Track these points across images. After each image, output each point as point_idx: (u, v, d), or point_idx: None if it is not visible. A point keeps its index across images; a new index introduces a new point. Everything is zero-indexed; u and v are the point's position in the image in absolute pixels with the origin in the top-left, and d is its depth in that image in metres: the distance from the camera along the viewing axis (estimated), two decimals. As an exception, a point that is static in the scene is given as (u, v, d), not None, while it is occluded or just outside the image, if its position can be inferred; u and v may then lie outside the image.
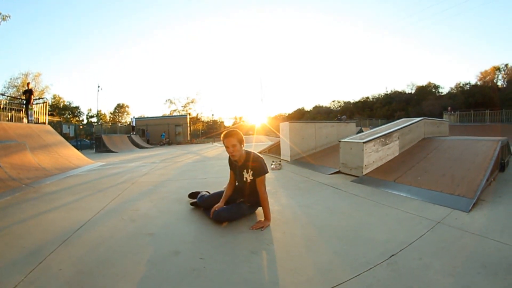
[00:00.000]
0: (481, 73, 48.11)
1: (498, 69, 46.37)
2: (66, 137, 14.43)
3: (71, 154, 8.53)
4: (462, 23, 72.94)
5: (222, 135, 2.70)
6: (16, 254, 2.13)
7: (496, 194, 3.35)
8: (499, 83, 46.20)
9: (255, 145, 15.34)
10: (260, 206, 2.87)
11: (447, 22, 73.18)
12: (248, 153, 2.74)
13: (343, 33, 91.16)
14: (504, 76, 46.06)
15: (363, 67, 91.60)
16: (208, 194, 3.19)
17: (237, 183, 2.96)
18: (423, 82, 55.57)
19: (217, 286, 1.68)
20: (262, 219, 2.68)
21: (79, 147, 17.08)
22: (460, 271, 1.73)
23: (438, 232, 2.35)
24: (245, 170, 2.73)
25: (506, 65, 45.53)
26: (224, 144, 2.67)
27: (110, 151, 16.96)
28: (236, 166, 2.81)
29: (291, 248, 2.14)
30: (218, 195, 2.93)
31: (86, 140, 23.40)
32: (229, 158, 2.86)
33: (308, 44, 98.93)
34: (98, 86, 33.83)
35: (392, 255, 1.94)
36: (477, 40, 73.80)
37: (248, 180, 2.73)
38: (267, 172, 2.72)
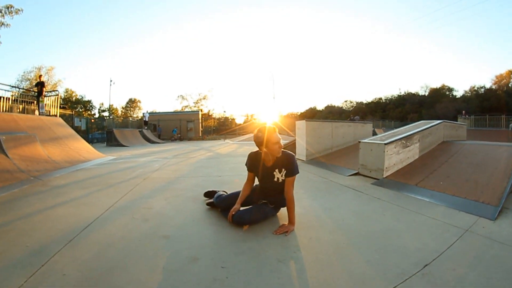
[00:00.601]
0: (496, 76, 47.56)
1: None
2: (77, 130, 14.63)
3: (81, 147, 8.57)
4: (477, 25, 73.40)
5: (261, 132, 2.50)
6: (18, 254, 2.05)
7: None
8: None
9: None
10: (282, 207, 2.82)
11: (462, 24, 73.68)
12: (281, 152, 2.59)
13: (357, 33, 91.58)
14: None
15: (376, 68, 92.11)
16: (225, 194, 3.09)
17: (258, 184, 2.85)
18: (437, 84, 55.49)
19: (243, 300, 1.56)
20: (285, 222, 2.60)
21: (91, 140, 17.41)
22: (495, 283, 1.73)
23: (467, 240, 2.34)
24: (277, 170, 2.60)
25: None
26: (266, 142, 2.50)
27: (121, 145, 17.15)
28: (264, 166, 2.66)
29: (320, 256, 2.07)
30: (236, 196, 2.79)
31: (98, 134, 23.70)
32: (251, 158, 2.75)
33: (321, 42, 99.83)
34: (111, 80, 34.31)
35: (426, 265, 1.94)
36: (492, 43, 74.13)
37: (280, 180, 2.61)
38: (298, 172, 2.61)
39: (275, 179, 2.62)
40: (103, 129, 23.62)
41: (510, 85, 45.33)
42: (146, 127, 25.33)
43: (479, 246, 2.25)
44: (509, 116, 22.62)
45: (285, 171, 2.58)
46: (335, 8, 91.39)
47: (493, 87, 46.39)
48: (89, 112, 49.93)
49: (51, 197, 3.68)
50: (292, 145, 8.22)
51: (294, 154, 2.63)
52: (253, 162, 2.75)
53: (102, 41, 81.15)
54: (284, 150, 2.62)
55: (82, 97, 50.30)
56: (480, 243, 2.30)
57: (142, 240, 2.29)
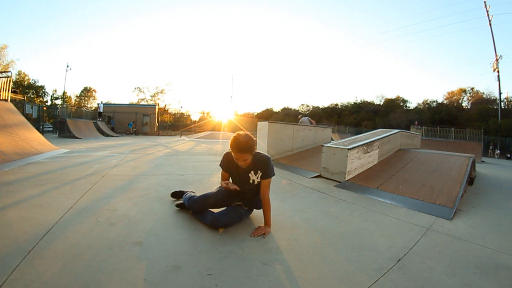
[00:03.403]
0: (448, 93, 53.52)
1: (464, 91, 51.75)
2: (28, 118, 13.41)
3: (33, 137, 7.83)
4: (435, 44, 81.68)
5: (232, 146, 2.47)
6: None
7: (470, 204, 3.88)
8: (464, 104, 51.61)
9: (222, 141, 15.36)
10: (256, 209, 2.90)
11: (420, 41, 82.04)
12: (256, 154, 2.62)
13: (318, 39, 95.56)
14: (469, 98, 51.43)
15: (334, 74, 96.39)
16: (195, 195, 3.03)
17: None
18: (392, 95, 59.40)
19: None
20: (260, 224, 2.70)
21: (42, 130, 16.44)
22: (459, 272, 2.04)
23: (430, 237, 2.68)
24: (252, 172, 2.64)
25: (472, 88, 50.99)
26: (233, 155, 2.51)
27: (74, 137, 16.39)
28: (239, 168, 2.66)
29: (302, 257, 2.16)
30: (208, 198, 2.78)
31: (49, 124, 22.04)
32: (227, 159, 2.75)
33: (281, 46, 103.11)
34: (67, 66, 31.94)
35: (399, 260, 2.18)
36: (447, 62, 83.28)
37: (255, 182, 2.67)
38: (274, 174, 2.67)
39: (251, 181, 2.68)
40: (55, 118, 21.91)
41: (460, 101, 51.17)
42: (100, 119, 24.13)
43: (441, 242, 2.60)
44: (458, 129, 25.53)
45: (260, 173, 2.63)
46: (297, 12, 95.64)
47: (445, 102, 51.64)
48: (41, 99, 46.07)
49: None
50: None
51: (269, 156, 2.69)
52: (229, 163, 2.76)
53: (61, 24, 76.39)
54: (260, 152, 2.67)
55: (35, 82, 46.50)
56: (441, 239, 2.66)
57: (112, 248, 2.09)
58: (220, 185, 2.86)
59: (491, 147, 28.63)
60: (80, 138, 16.09)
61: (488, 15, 38.34)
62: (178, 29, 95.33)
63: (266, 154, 2.68)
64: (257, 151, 2.68)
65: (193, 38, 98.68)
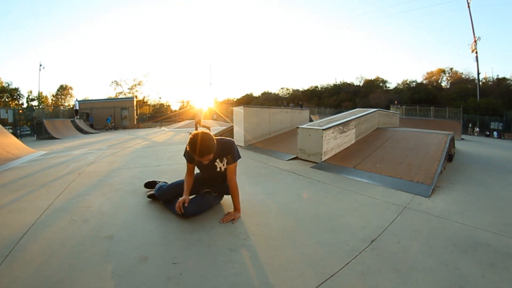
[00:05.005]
0: (427, 73, 54.09)
1: (443, 71, 52.51)
2: (3, 123, 13.12)
3: (9, 142, 7.68)
4: (414, 24, 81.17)
5: (191, 151, 2.35)
6: None
7: (449, 181, 3.86)
8: (443, 84, 52.48)
9: (200, 129, 15.21)
10: (226, 195, 2.84)
11: (400, 21, 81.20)
12: (220, 141, 2.55)
13: (295, 20, 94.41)
14: (448, 78, 52.32)
15: (313, 56, 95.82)
16: (165, 184, 3.03)
17: (200, 173, 2.81)
18: (371, 76, 59.59)
19: (202, 296, 1.58)
20: (230, 210, 2.66)
21: (19, 135, 16.18)
22: (436, 251, 1.97)
23: (407, 216, 2.61)
24: (218, 160, 2.60)
25: (451, 69, 51.74)
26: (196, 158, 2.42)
27: (52, 137, 16.07)
28: None
29: (271, 242, 2.14)
30: (177, 186, 2.76)
31: (26, 127, 21.48)
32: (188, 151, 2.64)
33: (259, 29, 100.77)
34: (40, 65, 30.60)
35: (373, 241, 2.10)
36: (427, 43, 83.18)
37: (222, 170, 2.64)
38: (240, 157, 2.64)
39: (218, 169, 2.65)
40: (32, 120, 21.39)
41: (439, 81, 52.19)
42: (77, 117, 23.94)
43: (418, 220, 2.53)
44: (437, 107, 26.10)
45: (226, 160, 2.61)
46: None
47: (424, 82, 52.60)
48: (16, 102, 44.03)
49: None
50: (229, 132, 8.23)
51: (233, 140, 2.66)
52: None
53: (32, 22, 71.22)
54: (223, 137, 2.65)
55: (8, 85, 43.58)
56: (418, 217, 2.60)
57: (84, 244, 2.14)
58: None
59: (470, 125, 29.51)
60: (58, 138, 15.88)
61: (466, -4, 38.93)
62: (152, 18, 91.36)
63: (229, 138, 2.67)
64: (219, 137, 2.62)
65: (169, 26, 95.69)
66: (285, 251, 1.99)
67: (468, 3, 38.80)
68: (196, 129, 8.80)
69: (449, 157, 5.21)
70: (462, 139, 16.76)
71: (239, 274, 1.73)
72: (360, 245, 2.04)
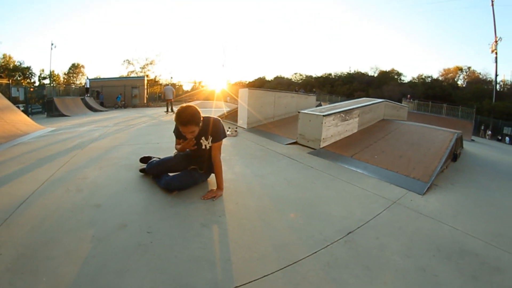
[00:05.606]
0: (444, 69, 52.38)
1: (460, 69, 50.75)
2: (15, 101, 13.67)
3: (18, 119, 7.90)
4: (436, 20, 78.50)
5: (176, 119, 2.46)
6: None
7: (449, 181, 3.66)
8: (459, 82, 50.90)
9: (214, 111, 15.45)
10: (213, 173, 2.84)
11: (420, 15, 78.02)
12: (206, 119, 2.63)
13: (312, 7, 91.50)
14: (465, 77, 50.62)
15: (328, 44, 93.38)
16: (156, 159, 3.14)
17: (189, 151, 2.86)
18: (387, 68, 58.15)
19: (165, 264, 1.65)
20: (215, 188, 2.69)
21: (30, 112, 16.72)
22: (416, 253, 1.84)
23: (394, 212, 2.48)
24: (203, 138, 2.66)
25: (469, 67, 49.94)
26: (180, 129, 2.50)
27: (62, 115, 16.53)
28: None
29: (244, 221, 2.16)
30: (165, 162, 2.90)
31: (37, 105, 21.96)
32: (177, 127, 2.71)
33: (275, 14, 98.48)
34: (52, 44, 30.71)
35: (350, 233, 2.00)
36: (446, 39, 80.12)
37: (207, 147, 2.70)
38: (226, 136, 2.72)
39: (203, 147, 2.70)
40: (43, 98, 21.83)
41: (455, 79, 50.69)
42: (88, 95, 24.37)
43: (404, 217, 2.39)
44: (451, 105, 25.37)
45: (211, 138, 2.66)
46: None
47: (440, 78, 51.09)
48: (28, 80, 44.81)
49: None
50: (234, 113, 8.14)
51: (219, 119, 2.71)
52: (180, 131, 2.74)
53: (43, 1, 70.71)
54: (209, 116, 2.69)
55: (20, 64, 44.31)
56: (406, 214, 2.45)
57: (74, 211, 2.31)
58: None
59: (482, 127, 28.81)
60: (68, 116, 16.18)
61: (491, -6, 37.27)
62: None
63: (216, 117, 2.71)
64: (206, 115, 2.69)
65: (185, 6, 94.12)
66: (255, 233, 2.00)
67: (492, 1, 37.18)
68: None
69: (454, 157, 5.02)
70: (473, 140, 16.35)
71: (203, 248, 1.80)
72: (334, 235, 1.95)
